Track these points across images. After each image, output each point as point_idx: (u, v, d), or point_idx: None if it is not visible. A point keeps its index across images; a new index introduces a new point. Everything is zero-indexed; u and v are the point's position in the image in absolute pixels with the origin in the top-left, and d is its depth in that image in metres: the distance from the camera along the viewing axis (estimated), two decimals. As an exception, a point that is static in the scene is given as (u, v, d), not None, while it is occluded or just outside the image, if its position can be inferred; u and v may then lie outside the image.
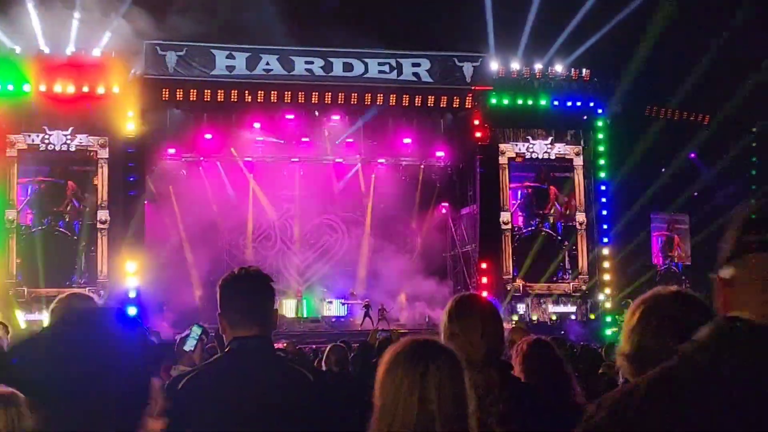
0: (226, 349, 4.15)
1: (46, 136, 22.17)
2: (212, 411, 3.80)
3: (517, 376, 4.89)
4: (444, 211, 27.01)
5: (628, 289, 23.86)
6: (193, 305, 20.66)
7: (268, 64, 23.32)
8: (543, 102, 24.64)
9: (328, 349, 9.12)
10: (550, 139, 25.02)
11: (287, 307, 23.89)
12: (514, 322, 19.64)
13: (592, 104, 24.83)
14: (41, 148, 22.20)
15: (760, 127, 26.36)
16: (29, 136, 22.13)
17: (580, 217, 24.77)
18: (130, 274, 21.68)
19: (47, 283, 21.57)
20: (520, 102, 24.61)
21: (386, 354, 3.00)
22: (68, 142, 22.20)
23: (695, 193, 26.64)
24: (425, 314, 23.64)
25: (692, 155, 26.31)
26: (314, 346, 12.78)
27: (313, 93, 23.73)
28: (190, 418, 3.73)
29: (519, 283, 24.47)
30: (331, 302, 25.18)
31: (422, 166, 26.68)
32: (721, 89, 24.96)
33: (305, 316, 24.43)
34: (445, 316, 4.38)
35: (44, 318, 20.77)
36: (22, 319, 20.46)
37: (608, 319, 23.77)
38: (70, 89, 22.00)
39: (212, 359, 4.39)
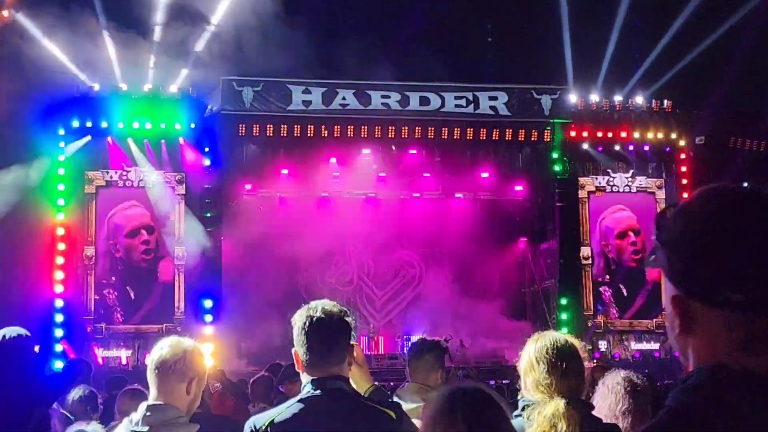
0: (304, 390, 4.17)
1: (124, 173, 22.42)
2: None
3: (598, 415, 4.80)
4: (522, 246, 26.79)
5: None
6: (271, 342, 20.63)
7: (344, 98, 23.38)
8: (623, 134, 24.39)
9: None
10: (631, 171, 24.77)
11: (364, 344, 23.78)
12: (595, 361, 19.45)
13: (674, 136, 24.51)
14: (119, 185, 22.45)
15: None
16: (107, 172, 22.40)
17: (664, 252, 24.39)
18: (206, 310, 21.79)
19: (124, 320, 21.82)
20: (599, 134, 24.39)
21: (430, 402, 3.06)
22: (146, 178, 22.41)
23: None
24: (504, 351, 23.38)
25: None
26: (392, 383, 12.64)
27: (390, 127, 23.72)
28: None
29: (599, 319, 24.18)
30: (408, 338, 25.03)
31: (500, 201, 26.51)
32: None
33: (383, 353, 24.27)
34: (524, 355, 4.36)
35: (120, 354, 20.98)
36: (100, 355, 20.64)
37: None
38: (149, 127, 22.27)
39: (292, 401, 4.35)
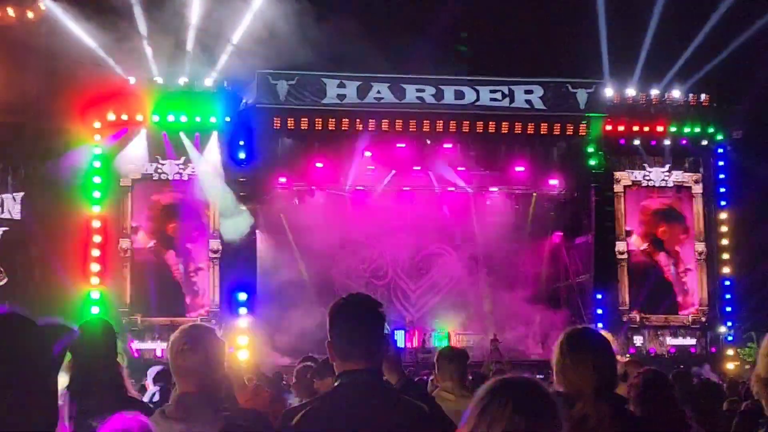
0: (336, 383, 4.17)
1: (160, 167, 22.53)
2: None
3: (632, 409, 4.82)
4: (557, 240, 26.71)
5: (750, 321, 23.41)
6: (305, 334, 20.68)
7: (379, 92, 23.37)
8: (660, 128, 24.28)
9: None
10: (667, 166, 24.66)
11: (398, 338, 23.80)
12: (628, 356, 19.39)
13: (711, 130, 24.36)
14: (154, 178, 22.57)
15: None
16: (143, 166, 22.51)
17: (699, 246, 24.31)
18: (240, 303, 21.88)
19: (159, 313, 21.96)
20: (636, 129, 24.29)
21: (480, 389, 3.05)
22: (180, 171, 22.52)
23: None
24: (539, 346, 23.35)
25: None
26: (425, 377, 12.66)
27: (425, 121, 23.71)
28: None
29: (635, 314, 24.11)
30: (442, 333, 25.05)
31: (535, 195, 26.46)
32: None
33: (417, 346, 24.29)
34: (557, 349, 4.36)
35: (156, 347, 21.10)
36: (135, 347, 20.79)
37: (730, 352, 23.25)
38: (184, 120, 22.37)
39: (323, 394, 4.39)
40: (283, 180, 24.70)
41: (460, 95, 23.74)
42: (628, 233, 24.60)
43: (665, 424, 4.96)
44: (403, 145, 24.39)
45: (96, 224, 21.89)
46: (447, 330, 25.10)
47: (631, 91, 24.32)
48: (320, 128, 23.37)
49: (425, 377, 12.06)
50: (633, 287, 24.31)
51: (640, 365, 13.03)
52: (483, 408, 2.86)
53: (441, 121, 23.80)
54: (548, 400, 2.95)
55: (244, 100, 22.78)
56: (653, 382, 5.74)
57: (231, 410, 4.71)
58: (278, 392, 9.06)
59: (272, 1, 22.36)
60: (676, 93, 24.38)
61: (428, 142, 24.43)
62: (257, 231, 23.31)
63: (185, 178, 22.56)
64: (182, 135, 22.47)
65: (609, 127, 24.10)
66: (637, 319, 24.03)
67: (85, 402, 4.96)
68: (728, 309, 23.94)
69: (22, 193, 22.03)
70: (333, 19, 21.91)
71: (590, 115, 24.05)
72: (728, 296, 23.99)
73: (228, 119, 22.54)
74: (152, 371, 10.40)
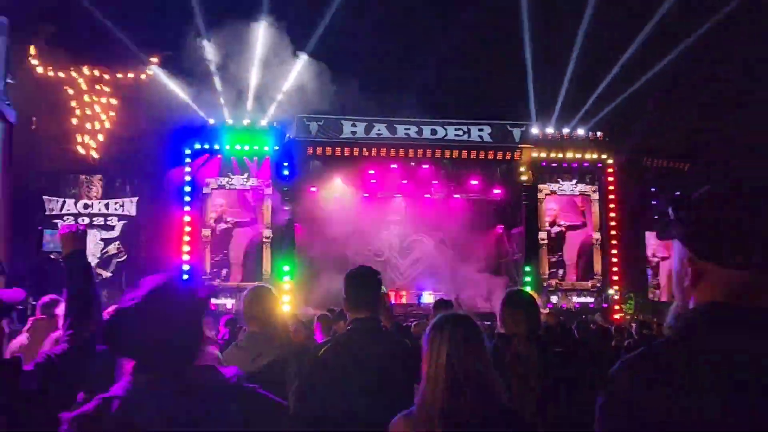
0: (349, 327, 4.20)
1: (230, 180, 22.57)
2: (344, 367, 3.90)
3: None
4: (500, 231, 26.71)
5: (629, 286, 23.76)
6: (328, 293, 20.64)
7: (379, 130, 23.52)
8: (569, 155, 24.37)
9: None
10: (574, 181, 24.69)
11: (392, 297, 23.76)
12: (548, 310, 19.41)
13: (604, 156, 24.46)
14: (227, 187, 22.63)
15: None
16: (219, 179, 22.57)
17: (596, 235, 24.40)
18: (285, 273, 21.92)
19: (229, 279, 22.03)
20: (553, 155, 24.38)
21: (428, 325, 3.07)
22: (244, 183, 22.58)
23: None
24: (485, 302, 23.31)
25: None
26: (410, 323, 12.63)
27: (410, 150, 23.86)
28: (330, 374, 3.88)
29: (553, 281, 24.13)
30: (421, 293, 25.03)
31: (485, 200, 26.48)
32: (699, 144, 24.57)
33: (405, 302, 24.27)
34: (500, 305, 4.39)
35: (227, 302, 21.12)
36: (213, 302, 20.79)
37: (616, 307, 23.34)
38: (247, 148, 22.40)
39: (340, 334, 4.41)
40: (313, 189, 24.73)
41: (434, 132, 23.84)
42: (550, 224, 24.56)
43: (571, 353, 4.95)
44: (395, 166, 24.43)
45: (186, 219, 21.96)
46: (424, 292, 25.08)
47: (550, 129, 24.41)
48: (339, 155, 23.49)
49: (410, 323, 11.98)
50: (550, 263, 24.30)
51: (556, 316, 13.00)
52: (431, 337, 2.87)
53: (421, 150, 23.89)
54: (475, 328, 2.94)
55: (287, 135, 22.84)
56: (561, 328, 5.73)
57: (284, 342, 4.74)
58: (310, 332, 9.01)
59: (307, 67, 22.48)
60: (580, 131, 24.46)
61: (412, 164, 24.46)
62: (296, 223, 23.30)
63: (247, 188, 22.66)
64: (245, 159, 22.47)
65: (535, 155, 24.19)
66: (554, 284, 24.13)
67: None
68: (615, 278, 23.95)
69: (137, 198, 22.06)
70: (347, 80, 22.03)
71: (522, 146, 24.14)
72: (615, 269, 24.00)
73: (276, 148, 22.61)
74: (223, 319, 10.40)
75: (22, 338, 5.83)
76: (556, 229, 24.54)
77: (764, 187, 1.74)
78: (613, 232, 24.36)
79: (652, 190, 24.92)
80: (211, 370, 2.29)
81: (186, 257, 21.68)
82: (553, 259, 24.40)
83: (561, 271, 24.38)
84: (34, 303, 6.85)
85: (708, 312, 1.68)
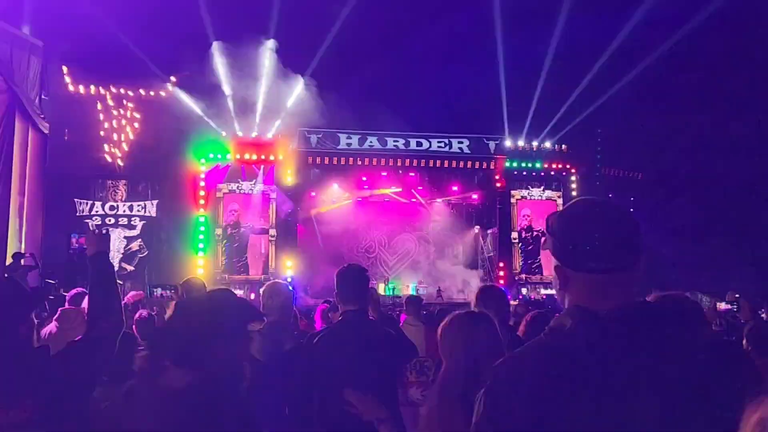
0: (340, 318, 4.20)
1: (240, 185, 22.51)
2: (336, 354, 3.90)
3: (520, 333, 4.80)
4: (477, 231, 26.74)
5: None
6: (325, 286, 20.64)
7: (371, 142, 23.51)
8: (538, 165, 24.40)
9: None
10: (542, 187, 24.72)
11: (380, 288, 23.77)
12: (518, 300, 19.42)
13: (568, 166, 24.51)
14: (236, 192, 22.56)
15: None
16: (229, 185, 22.50)
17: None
18: (287, 267, 21.88)
19: (239, 272, 21.95)
20: (524, 165, 24.39)
21: (446, 318, 3.03)
22: (252, 188, 22.51)
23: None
24: (464, 294, 23.35)
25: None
26: (396, 313, 12.61)
27: (398, 159, 23.84)
28: (323, 360, 3.91)
29: (523, 275, 24.16)
30: (408, 285, 25.02)
31: (464, 204, 26.51)
32: (650, 154, 24.68)
33: (391, 294, 24.30)
34: (474, 297, 4.39)
35: (237, 293, 21.02)
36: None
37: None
38: (254, 157, 22.34)
39: (332, 325, 4.40)
40: (313, 194, 24.70)
41: (419, 144, 23.85)
42: (520, 226, 24.57)
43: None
44: (385, 174, 24.43)
45: (201, 219, 21.86)
46: (410, 284, 25.05)
47: (521, 142, 24.41)
48: (336, 163, 23.43)
49: (396, 313, 11.96)
50: (521, 259, 24.32)
51: (525, 306, 13.00)
52: (451, 331, 2.85)
53: (408, 160, 23.89)
54: (491, 323, 2.93)
55: (291, 146, 22.76)
56: (540, 317, 5.74)
57: (294, 328, 4.76)
58: (310, 321, 9.00)
59: (308, 87, 22.48)
60: (547, 143, 24.46)
61: (400, 172, 24.46)
62: (297, 223, 23.29)
63: (255, 192, 22.56)
64: (253, 166, 22.41)
65: (507, 164, 24.18)
66: (524, 278, 24.06)
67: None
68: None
69: (157, 200, 21.96)
70: (343, 97, 22.04)
71: (497, 156, 24.14)
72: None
73: (281, 157, 22.48)
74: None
75: (52, 326, 5.81)
76: (533, 234, 24.46)
77: (601, 203, 1.79)
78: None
79: (610, 195, 25.01)
80: None
81: (200, 253, 21.63)
82: (524, 257, 24.37)
83: (529, 267, 24.30)
84: (64, 294, 6.82)
85: (568, 314, 1.71)
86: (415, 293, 20.61)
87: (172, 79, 22.08)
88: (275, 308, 4.73)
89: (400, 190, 25.36)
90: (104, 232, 3.19)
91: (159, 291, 5.17)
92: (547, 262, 24.12)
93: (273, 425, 4.06)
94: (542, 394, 1.59)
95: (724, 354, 1.60)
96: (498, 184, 24.45)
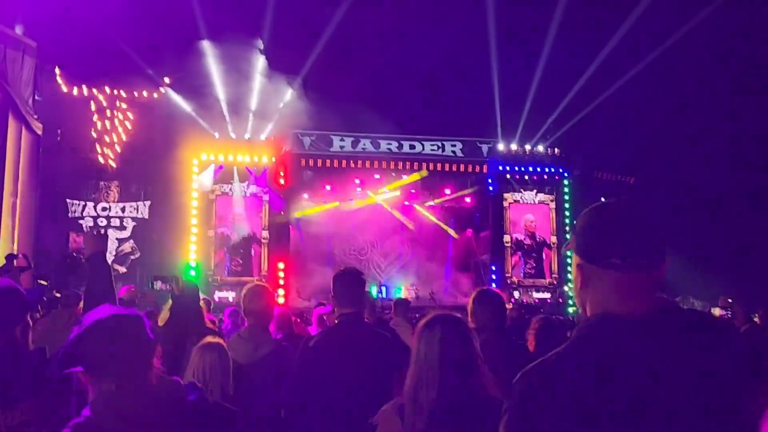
0: (336, 321, 4.21)
1: (232, 187, 22.45)
2: (332, 356, 3.91)
3: (529, 345, 4.80)
4: (470, 234, 26.77)
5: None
6: (319, 288, 20.63)
7: (364, 144, 23.54)
8: (530, 168, 24.46)
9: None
10: (535, 191, 24.76)
11: (373, 291, 23.77)
12: (511, 304, 19.41)
13: (561, 170, 24.59)
14: (228, 194, 22.52)
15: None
16: (222, 186, 22.43)
17: (553, 238, 24.46)
18: (279, 269, 21.83)
19: (231, 274, 21.88)
20: (516, 168, 24.44)
21: (420, 322, 3.02)
22: (245, 190, 22.45)
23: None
24: (458, 299, 23.36)
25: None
26: (389, 316, 12.60)
27: (391, 162, 23.83)
28: (320, 362, 3.88)
29: (515, 278, 24.17)
30: (401, 288, 25.02)
31: (457, 207, 26.53)
32: (642, 159, 24.78)
33: (384, 297, 24.29)
34: (470, 301, 4.39)
35: (228, 295, 20.98)
36: (216, 296, 20.70)
37: (570, 301, 23.41)
38: (247, 159, 22.30)
39: (329, 328, 4.41)
40: (306, 196, 24.70)
41: (413, 147, 23.89)
42: (513, 230, 24.60)
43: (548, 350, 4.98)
44: (378, 176, 24.44)
45: (194, 221, 21.79)
46: (402, 286, 25.06)
47: (514, 146, 24.47)
48: (329, 166, 23.44)
49: (389, 316, 11.96)
50: (514, 262, 24.36)
51: (518, 310, 12.99)
52: (424, 333, 2.84)
53: (401, 162, 23.88)
54: (464, 325, 2.92)
55: (284, 148, 22.74)
56: (547, 325, 5.75)
57: (285, 332, 4.73)
58: (305, 322, 8.99)
59: (301, 89, 22.52)
60: (540, 147, 24.54)
61: (393, 175, 24.47)
62: (290, 225, 23.26)
63: (247, 194, 22.52)
64: (246, 168, 22.36)
65: (500, 167, 24.24)
66: (516, 281, 24.09)
67: (179, 326, 4.96)
68: (569, 276, 24.00)
69: (149, 201, 21.96)
70: (336, 99, 21.98)
71: (490, 159, 24.17)
72: (569, 268, 24.06)
73: (274, 159, 22.45)
74: (227, 311, 10.37)
75: (45, 323, 5.79)
76: (537, 239, 24.44)
77: (630, 202, 1.79)
78: (568, 236, 24.42)
79: (602, 199, 25.01)
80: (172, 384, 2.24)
81: (192, 255, 21.56)
82: (530, 264, 24.34)
83: (523, 271, 24.35)
84: (57, 295, 6.80)
85: (596, 320, 1.68)
86: (401, 296, 20.64)
87: (166, 80, 22.04)
88: (254, 312, 4.73)
89: (392, 195, 25.31)
90: (102, 232, 3.18)
91: (159, 284, 5.17)
92: (548, 267, 24.19)
93: (260, 427, 4.06)
94: (580, 406, 1.55)
95: (755, 363, 1.57)
96: (491, 188, 24.50)
